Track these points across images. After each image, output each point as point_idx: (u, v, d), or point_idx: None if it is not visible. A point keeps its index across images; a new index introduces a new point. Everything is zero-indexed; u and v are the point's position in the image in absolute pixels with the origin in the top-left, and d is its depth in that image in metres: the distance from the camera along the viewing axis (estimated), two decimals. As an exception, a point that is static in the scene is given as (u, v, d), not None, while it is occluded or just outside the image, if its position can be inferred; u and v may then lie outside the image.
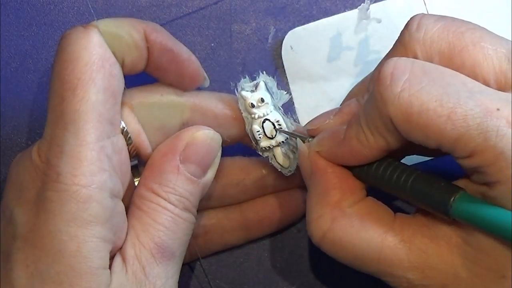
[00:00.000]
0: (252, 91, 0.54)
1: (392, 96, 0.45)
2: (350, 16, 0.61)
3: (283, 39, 0.61)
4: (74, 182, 0.46)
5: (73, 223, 0.46)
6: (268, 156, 0.55)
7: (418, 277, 0.48)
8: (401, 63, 0.46)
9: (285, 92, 0.55)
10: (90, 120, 0.47)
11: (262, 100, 0.53)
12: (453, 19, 0.49)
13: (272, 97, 0.54)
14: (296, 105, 0.62)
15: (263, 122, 0.54)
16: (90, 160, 0.47)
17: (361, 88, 0.54)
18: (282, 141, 0.54)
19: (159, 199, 0.51)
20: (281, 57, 0.62)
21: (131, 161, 0.53)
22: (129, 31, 0.51)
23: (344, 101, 0.56)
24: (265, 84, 0.54)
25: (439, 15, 0.50)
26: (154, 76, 0.54)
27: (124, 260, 0.50)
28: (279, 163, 0.55)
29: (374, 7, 0.60)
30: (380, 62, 0.51)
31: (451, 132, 0.43)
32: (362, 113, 0.48)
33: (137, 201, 0.52)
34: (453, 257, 0.47)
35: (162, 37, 0.52)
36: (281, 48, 0.61)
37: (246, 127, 0.54)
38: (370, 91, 0.47)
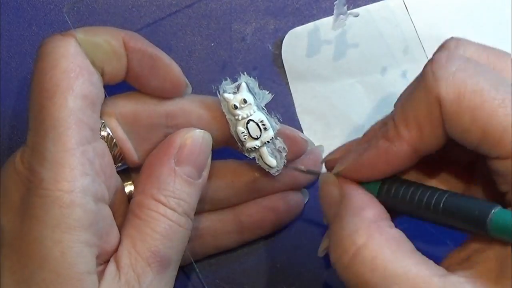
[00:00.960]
0: (234, 92, 0.54)
1: (446, 74, 0.43)
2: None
3: (283, 39, 0.61)
4: (56, 187, 0.46)
5: (57, 229, 0.46)
6: (255, 157, 0.55)
7: None
8: (454, 52, 0.46)
9: (267, 92, 0.55)
10: (70, 126, 0.47)
11: (245, 101, 0.53)
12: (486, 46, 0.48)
13: (255, 98, 0.54)
14: (296, 105, 0.61)
15: (247, 123, 0.53)
16: (72, 165, 0.47)
17: (380, 127, 0.52)
18: (268, 141, 0.54)
19: (159, 206, 0.51)
20: (281, 57, 0.61)
21: (119, 166, 0.54)
22: (107, 39, 0.51)
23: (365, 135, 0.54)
24: (247, 85, 0.54)
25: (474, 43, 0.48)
26: (135, 86, 0.54)
27: (118, 268, 0.50)
28: (266, 163, 0.55)
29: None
30: (402, 93, 0.49)
31: (502, 118, 0.42)
32: (398, 105, 0.46)
33: (136, 210, 0.51)
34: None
35: (141, 44, 0.52)
36: (281, 48, 0.61)
37: (231, 129, 0.54)
38: (414, 80, 0.46)
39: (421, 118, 0.45)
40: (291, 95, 0.61)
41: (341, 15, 0.58)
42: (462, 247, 0.48)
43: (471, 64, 0.44)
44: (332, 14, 0.61)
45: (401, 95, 0.48)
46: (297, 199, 0.60)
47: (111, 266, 0.50)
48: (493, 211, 0.44)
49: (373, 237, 0.45)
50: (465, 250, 0.48)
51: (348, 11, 0.58)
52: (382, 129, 0.47)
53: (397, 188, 0.48)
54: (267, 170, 0.55)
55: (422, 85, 0.45)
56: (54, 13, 0.62)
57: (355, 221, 0.47)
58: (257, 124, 0.54)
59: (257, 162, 0.55)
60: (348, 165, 0.49)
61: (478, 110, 0.42)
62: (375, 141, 0.47)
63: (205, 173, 0.54)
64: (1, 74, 0.61)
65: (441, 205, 0.46)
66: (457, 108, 0.43)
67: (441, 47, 0.48)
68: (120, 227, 0.51)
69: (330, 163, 0.52)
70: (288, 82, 0.62)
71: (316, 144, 0.60)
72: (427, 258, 0.46)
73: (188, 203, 0.52)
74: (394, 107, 0.48)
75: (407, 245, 0.46)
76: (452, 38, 0.49)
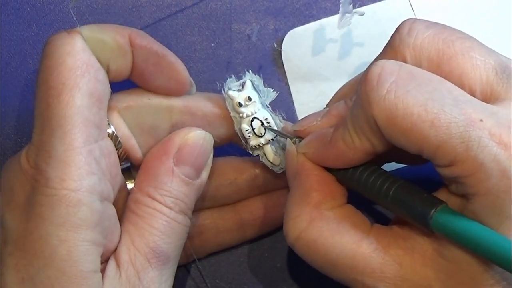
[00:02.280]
0: (239, 90, 0.54)
1: (377, 97, 0.44)
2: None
3: (283, 39, 0.61)
4: (63, 186, 0.46)
5: (63, 227, 0.46)
6: (258, 155, 0.55)
7: None
8: (389, 65, 0.46)
9: (272, 90, 0.55)
10: (76, 124, 0.47)
11: (250, 98, 0.53)
12: (444, 26, 0.49)
13: (259, 95, 0.54)
14: (296, 105, 0.61)
15: (252, 120, 0.54)
16: (78, 164, 0.47)
17: (349, 89, 0.54)
18: (272, 139, 0.54)
19: (155, 203, 0.51)
20: (281, 57, 0.61)
21: (122, 164, 0.53)
22: (113, 36, 0.51)
23: (330, 102, 0.56)
24: (252, 83, 0.54)
25: (431, 21, 0.49)
26: (140, 84, 0.54)
27: (118, 264, 0.50)
28: (269, 161, 0.55)
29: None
30: (369, 65, 0.51)
31: (433, 138, 0.43)
32: (349, 115, 0.47)
33: (133, 206, 0.52)
34: (427, 269, 0.47)
35: (147, 41, 0.52)
36: (281, 48, 0.61)
37: (235, 126, 0.54)
38: (357, 93, 0.47)
39: (366, 132, 0.46)
40: (291, 95, 0.62)
41: (347, 14, 0.58)
42: None
43: (402, 80, 0.45)
44: (333, 14, 0.61)
45: (351, 106, 0.49)
46: None
47: (111, 264, 0.50)
48: (434, 210, 0.45)
49: (313, 222, 0.49)
50: None
51: (354, 10, 0.58)
52: (339, 129, 0.49)
53: (353, 172, 0.50)
54: (270, 168, 0.55)
55: (360, 105, 0.46)
56: (54, 13, 0.62)
57: (300, 205, 0.50)
58: (262, 122, 0.54)
59: (260, 160, 0.55)
60: (310, 152, 0.51)
61: (409, 132, 0.44)
62: (334, 140, 0.49)
63: (205, 173, 0.54)
64: (1, 74, 0.61)
65: (389, 196, 0.47)
66: (391, 130, 0.44)
67: (395, 32, 0.49)
68: (120, 225, 0.52)
69: (297, 132, 0.53)
70: (288, 82, 0.62)
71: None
72: (370, 232, 0.49)
73: (185, 203, 0.52)
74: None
75: (350, 221, 0.49)
76: (407, 20, 0.49)
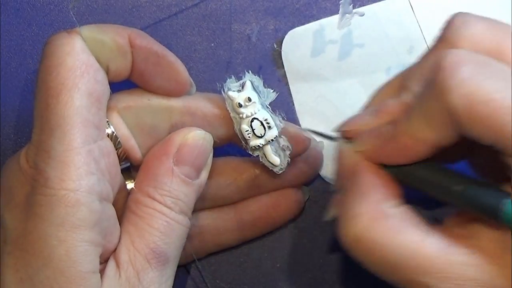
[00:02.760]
0: (239, 90, 0.54)
1: (456, 84, 0.43)
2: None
3: (283, 39, 0.61)
4: (62, 186, 0.46)
5: (62, 228, 0.46)
6: (258, 155, 0.55)
7: None
8: (464, 53, 0.45)
9: (272, 91, 0.55)
10: (75, 124, 0.47)
11: (249, 99, 0.53)
12: (495, 20, 0.49)
13: (259, 96, 0.54)
14: (296, 105, 0.61)
15: (252, 121, 0.54)
16: (77, 164, 0.47)
17: (394, 87, 0.53)
18: (272, 139, 0.54)
19: (155, 203, 0.51)
20: (281, 58, 0.61)
21: (121, 164, 0.53)
22: (113, 36, 0.51)
23: (373, 101, 0.55)
24: (252, 83, 0.54)
25: (480, 16, 0.49)
26: (140, 84, 0.54)
27: (118, 265, 0.50)
28: (269, 161, 0.55)
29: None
30: (421, 59, 0.50)
31: None
32: (416, 106, 0.46)
33: (133, 206, 0.52)
34: (492, 267, 0.46)
35: (147, 42, 0.52)
36: (281, 49, 0.61)
37: (235, 127, 0.54)
38: (427, 82, 0.46)
39: (438, 123, 0.45)
40: (291, 95, 0.62)
41: (347, 14, 0.58)
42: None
43: (479, 67, 0.44)
44: (333, 14, 0.61)
45: (418, 97, 0.48)
46: (298, 197, 0.60)
47: (111, 264, 0.50)
48: (505, 200, 0.45)
49: (374, 222, 0.47)
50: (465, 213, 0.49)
51: (354, 10, 0.58)
52: (402, 123, 0.48)
53: (412, 168, 0.49)
54: (270, 168, 0.55)
55: (433, 94, 0.45)
56: (54, 13, 0.62)
57: (360, 203, 0.48)
58: (261, 123, 0.54)
59: (260, 160, 0.55)
60: (368, 149, 0.50)
61: (489, 119, 0.43)
62: (399, 134, 0.48)
63: (205, 173, 0.54)
64: (1, 74, 0.61)
65: (455, 190, 0.47)
66: (469, 118, 0.43)
67: (447, 26, 0.49)
68: (120, 226, 0.52)
69: (347, 133, 0.52)
70: (288, 83, 0.62)
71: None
72: (432, 232, 0.47)
73: (185, 203, 0.52)
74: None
75: (412, 221, 0.48)
76: (458, 15, 0.49)
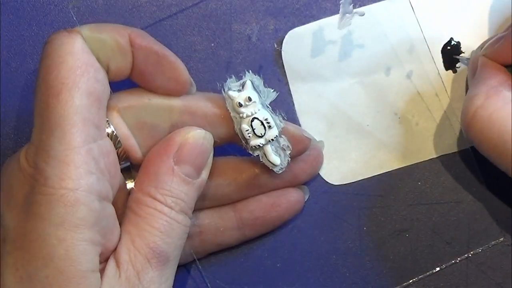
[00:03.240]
0: (239, 90, 0.54)
1: None
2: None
3: (283, 39, 0.61)
4: (61, 185, 0.46)
5: (61, 227, 0.46)
6: (258, 155, 0.55)
7: None
8: None
9: (272, 90, 0.55)
10: (75, 124, 0.47)
11: (250, 99, 0.53)
12: None
13: (260, 96, 0.54)
14: (295, 105, 0.61)
15: (252, 120, 0.54)
16: (77, 164, 0.47)
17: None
18: (272, 139, 0.54)
19: (156, 203, 0.51)
20: (281, 57, 0.61)
21: (122, 164, 0.53)
22: (113, 35, 0.51)
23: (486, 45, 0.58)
24: (252, 83, 0.54)
25: None
26: (140, 84, 0.54)
27: (118, 264, 0.50)
28: (269, 161, 0.55)
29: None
30: None
31: None
32: None
33: (133, 206, 0.52)
34: None
35: (147, 41, 0.52)
36: (281, 48, 0.61)
37: (235, 126, 0.54)
38: None
39: None
40: (291, 95, 0.62)
41: (347, 14, 0.58)
42: None
43: None
44: (333, 14, 0.61)
45: None
46: (298, 196, 0.60)
47: (111, 264, 0.50)
48: None
49: (490, 99, 0.51)
50: None
51: (354, 10, 0.58)
52: None
53: None
54: (271, 168, 0.55)
55: None
56: (54, 13, 0.62)
57: (478, 85, 0.53)
58: (262, 122, 0.54)
59: (261, 160, 0.55)
60: (490, 51, 0.55)
61: None
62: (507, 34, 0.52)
63: (205, 172, 0.54)
64: (1, 74, 0.61)
65: None
66: None
67: None
68: (120, 225, 0.52)
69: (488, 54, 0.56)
70: (288, 82, 0.62)
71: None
72: None
73: (185, 202, 0.52)
74: None
75: None
76: None
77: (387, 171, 0.61)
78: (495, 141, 0.50)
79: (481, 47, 0.57)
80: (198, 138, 0.53)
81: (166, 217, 0.51)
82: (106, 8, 0.62)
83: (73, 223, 0.47)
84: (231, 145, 0.57)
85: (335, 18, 0.60)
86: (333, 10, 0.61)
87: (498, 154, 0.51)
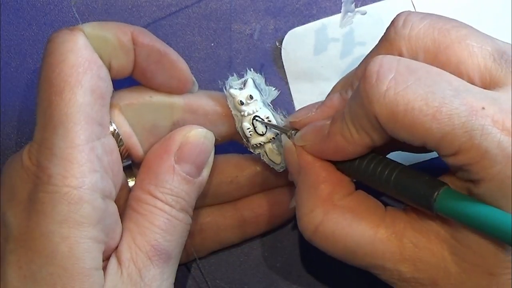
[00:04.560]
0: (241, 88, 0.54)
1: (377, 94, 0.44)
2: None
3: (283, 39, 0.61)
4: (65, 183, 0.46)
5: (65, 225, 0.46)
6: (259, 153, 0.55)
7: (409, 270, 0.48)
8: (387, 61, 0.46)
9: (274, 88, 0.55)
10: (78, 122, 0.47)
11: (251, 97, 0.53)
12: (439, 16, 0.49)
13: (261, 94, 0.54)
14: (296, 105, 0.61)
15: (253, 119, 0.54)
16: (80, 162, 0.47)
17: (345, 82, 0.54)
18: (273, 138, 0.55)
19: (156, 201, 0.51)
20: (281, 57, 0.61)
21: (123, 162, 0.53)
22: (116, 33, 0.51)
23: (328, 95, 0.56)
24: (253, 81, 0.54)
25: (425, 13, 0.50)
26: (142, 82, 0.54)
27: (119, 262, 0.50)
28: (270, 160, 0.55)
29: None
30: (364, 59, 0.51)
31: (436, 131, 0.43)
32: (347, 110, 0.48)
33: (134, 204, 0.52)
34: (443, 251, 0.47)
35: (149, 39, 0.52)
36: (281, 48, 0.61)
37: (236, 124, 0.54)
38: (355, 88, 0.47)
39: (366, 128, 0.47)
40: (291, 94, 0.62)
41: (349, 13, 0.58)
42: None
43: (401, 76, 0.45)
44: (333, 14, 0.61)
45: (349, 101, 0.48)
46: None
47: (113, 261, 0.50)
48: (437, 192, 0.46)
49: (329, 215, 0.49)
50: None
51: (356, 9, 0.58)
52: (337, 123, 0.49)
53: (352, 161, 0.50)
54: (271, 166, 0.55)
55: (359, 102, 0.46)
56: (54, 13, 0.62)
57: (311, 199, 0.50)
58: (262, 119, 0.54)
59: (262, 159, 0.55)
60: (309, 145, 0.51)
61: (412, 127, 0.44)
62: (332, 134, 0.49)
63: (206, 171, 0.54)
64: (1, 74, 0.61)
65: (391, 181, 0.48)
66: (393, 126, 0.45)
67: (390, 25, 0.50)
68: (122, 223, 0.51)
69: (293, 124, 0.53)
70: (288, 82, 0.62)
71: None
72: (385, 216, 0.49)
73: (186, 201, 0.52)
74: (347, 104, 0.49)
75: (364, 208, 0.50)
76: (402, 13, 0.50)
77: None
78: (341, 255, 0.50)
79: (290, 125, 0.54)
80: (199, 137, 0.53)
81: (167, 215, 0.51)
82: (106, 8, 0.62)
83: (77, 221, 0.47)
84: (232, 143, 0.57)
85: (337, 17, 0.60)
86: (333, 9, 0.62)
87: (348, 261, 0.50)
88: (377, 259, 0.48)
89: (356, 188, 0.51)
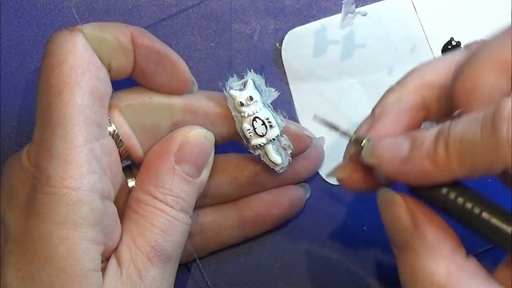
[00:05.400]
0: (241, 89, 0.54)
1: None
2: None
3: (283, 39, 0.61)
4: (63, 185, 0.46)
5: (63, 226, 0.46)
6: (260, 154, 0.55)
7: None
8: None
9: (274, 89, 0.55)
10: (77, 123, 0.47)
11: (251, 98, 0.53)
12: None
13: (261, 95, 0.54)
14: (296, 105, 0.62)
15: (253, 120, 0.54)
16: (79, 163, 0.47)
17: (400, 93, 0.50)
18: (273, 138, 0.54)
19: (156, 202, 0.51)
20: (281, 58, 0.61)
21: (123, 162, 0.53)
22: (115, 34, 0.51)
23: (380, 105, 0.51)
24: (253, 82, 0.54)
25: None
26: (141, 82, 0.54)
27: (119, 263, 0.50)
28: (271, 161, 0.55)
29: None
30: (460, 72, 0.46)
31: None
32: (451, 139, 0.43)
33: (134, 205, 0.52)
34: None
35: (149, 40, 0.52)
36: (281, 49, 0.61)
37: (237, 125, 0.54)
38: (476, 122, 0.42)
39: (479, 167, 0.43)
40: (291, 95, 0.62)
41: (349, 14, 0.58)
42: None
43: None
44: (333, 14, 0.61)
45: (453, 126, 0.44)
46: (299, 194, 0.60)
47: (112, 262, 0.50)
48: None
49: (453, 276, 0.45)
50: None
51: (356, 10, 0.58)
52: (428, 147, 0.44)
53: (440, 193, 0.46)
54: (272, 167, 0.55)
55: (485, 143, 0.42)
56: (54, 13, 0.62)
57: (433, 257, 0.45)
58: (263, 122, 0.54)
59: (262, 159, 0.55)
60: (382, 165, 0.47)
61: None
62: (418, 157, 0.45)
63: (206, 172, 0.54)
64: (1, 74, 0.61)
65: (476, 218, 0.45)
66: None
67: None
68: (121, 224, 0.52)
69: (360, 132, 0.50)
70: (288, 82, 0.62)
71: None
72: (498, 284, 0.45)
73: (186, 201, 0.52)
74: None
75: (482, 275, 0.46)
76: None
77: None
78: None
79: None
80: (199, 137, 0.53)
81: (167, 215, 0.51)
82: (106, 8, 0.62)
83: (75, 222, 0.46)
84: (232, 143, 0.57)
85: (337, 17, 0.60)
86: (333, 10, 0.62)
87: None
88: None
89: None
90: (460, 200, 0.45)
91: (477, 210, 0.45)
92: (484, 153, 0.42)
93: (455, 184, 0.45)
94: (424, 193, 0.46)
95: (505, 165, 0.41)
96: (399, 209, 0.47)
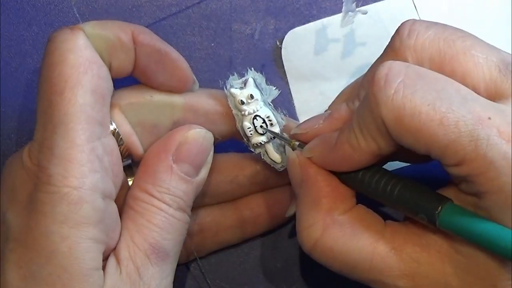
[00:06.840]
0: (241, 88, 0.54)
1: (385, 97, 0.44)
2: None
3: (283, 39, 0.61)
4: (65, 184, 0.46)
5: (65, 225, 0.46)
6: (260, 152, 0.55)
7: (408, 286, 0.48)
8: (396, 66, 0.46)
9: (274, 88, 0.55)
10: (79, 122, 0.47)
11: (252, 96, 0.53)
12: (445, 26, 0.49)
13: (262, 93, 0.54)
14: (296, 105, 0.62)
15: (254, 118, 0.54)
16: (81, 162, 0.47)
17: (351, 92, 0.54)
18: (273, 137, 0.54)
19: (153, 200, 0.51)
20: (281, 57, 0.62)
21: (123, 161, 0.53)
22: (116, 32, 0.51)
23: (332, 105, 0.56)
24: (254, 81, 0.54)
25: (431, 22, 0.50)
26: (142, 81, 0.54)
27: (118, 261, 0.50)
28: (271, 159, 0.55)
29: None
30: (371, 66, 0.51)
31: (442, 137, 0.43)
32: (354, 117, 0.47)
33: (131, 202, 0.52)
34: (444, 265, 0.47)
35: (150, 38, 0.52)
36: (281, 48, 0.61)
37: (237, 124, 0.54)
38: (364, 94, 0.47)
39: (373, 134, 0.46)
40: (291, 94, 0.62)
41: (350, 12, 0.58)
42: None
43: (410, 80, 0.45)
44: (333, 14, 0.61)
45: (357, 108, 0.49)
46: None
47: (111, 260, 0.50)
48: (440, 207, 0.45)
49: (328, 230, 0.49)
50: None
51: (357, 9, 0.58)
52: (344, 132, 0.49)
53: (357, 173, 0.50)
54: (272, 166, 0.55)
55: (367, 106, 0.46)
56: (54, 13, 0.62)
57: (311, 213, 0.50)
58: (264, 120, 0.54)
59: (262, 158, 0.55)
60: (316, 156, 0.51)
61: (418, 132, 0.44)
62: (340, 143, 0.49)
63: (204, 171, 0.54)
64: (1, 74, 0.61)
65: (395, 195, 0.48)
66: (399, 130, 0.44)
67: (395, 34, 0.49)
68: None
69: (299, 136, 0.53)
70: (288, 82, 0.62)
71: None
72: (385, 231, 0.49)
73: (183, 200, 0.52)
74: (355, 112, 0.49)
75: (364, 223, 0.50)
76: (407, 21, 0.50)
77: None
78: (340, 270, 0.50)
79: (296, 137, 0.54)
80: (197, 137, 0.53)
81: (164, 213, 0.51)
82: (106, 8, 0.62)
83: (77, 221, 0.47)
84: (232, 142, 0.57)
85: (337, 17, 0.60)
86: (333, 9, 0.62)
87: (347, 276, 0.50)
88: (376, 275, 0.48)
89: (359, 201, 0.51)
90: (372, 180, 0.49)
91: (386, 188, 0.48)
92: (370, 120, 0.46)
93: (373, 168, 0.49)
94: (344, 177, 0.50)
95: (385, 124, 0.45)
96: (292, 166, 0.52)
